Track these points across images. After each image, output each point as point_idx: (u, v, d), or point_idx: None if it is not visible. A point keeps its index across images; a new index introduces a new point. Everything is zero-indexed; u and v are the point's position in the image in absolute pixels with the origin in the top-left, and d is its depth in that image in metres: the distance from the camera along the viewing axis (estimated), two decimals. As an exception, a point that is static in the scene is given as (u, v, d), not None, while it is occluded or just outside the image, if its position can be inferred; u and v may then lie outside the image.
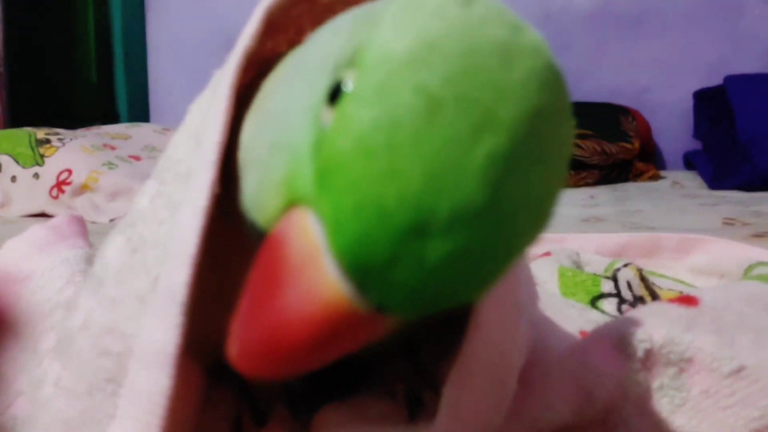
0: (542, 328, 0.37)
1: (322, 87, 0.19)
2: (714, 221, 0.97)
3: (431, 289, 0.16)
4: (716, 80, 1.53)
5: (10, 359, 0.36)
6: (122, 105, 1.85)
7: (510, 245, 0.17)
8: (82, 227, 0.47)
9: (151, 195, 0.30)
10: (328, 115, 0.18)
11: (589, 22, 1.66)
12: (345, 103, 0.17)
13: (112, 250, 0.29)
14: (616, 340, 0.32)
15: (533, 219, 0.17)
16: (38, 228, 0.44)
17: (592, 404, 0.30)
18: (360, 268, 0.16)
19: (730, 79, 1.49)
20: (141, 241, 0.28)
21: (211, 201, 0.26)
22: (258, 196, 0.21)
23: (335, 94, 0.18)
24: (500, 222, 0.16)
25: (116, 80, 1.85)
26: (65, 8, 1.83)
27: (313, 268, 0.17)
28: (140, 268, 0.28)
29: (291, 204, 0.19)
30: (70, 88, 1.84)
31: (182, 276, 0.25)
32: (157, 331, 0.25)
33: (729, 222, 0.96)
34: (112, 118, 1.83)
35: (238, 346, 0.19)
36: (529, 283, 0.35)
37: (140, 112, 1.87)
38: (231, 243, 0.28)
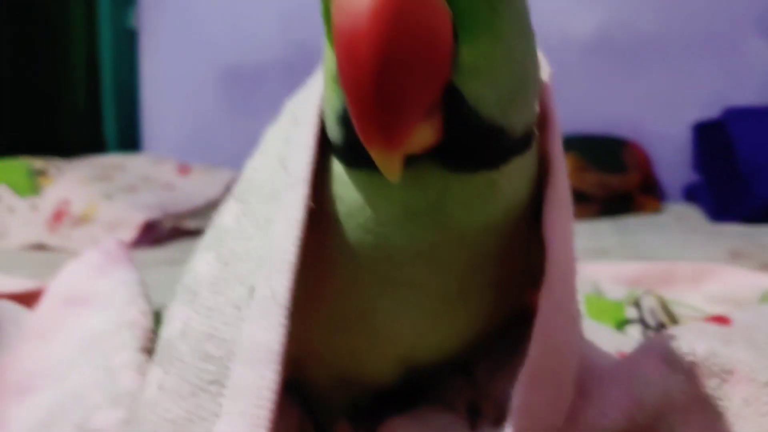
0: (586, 343, 0.41)
1: None
2: (719, 254, 1.01)
3: None
4: (714, 113, 1.59)
5: (79, 374, 0.39)
6: (111, 134, 1.88)
7: None
8: (128, 252, 0.51)
9: (236, 214, 0.34)
10: None
11: (587, 54, 1.73)
12: None
13: (203, 264, 0.33)
14: (663, 353, 0.36)
15: None
16: (93, 252, 0.48)
17: (643, 411, 0.34)
18: None
19: (729, 112, 1.55)
20: (231, 255, 0.32)
21: (305, 214, 0.30)
22: None
23: None
24: None
25: (104, 109, 1.89)
26: (54, 37, 1.87)
27: None
28: (234, 279, 0.31)
29: None
30: (57, 116, 1.88)
31: (284, 281, 0.29)
32: (262, 332, 0.29)
33: (735, 254, 1.00)
34: (99, 147, 1.86)
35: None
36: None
37: (130, 142, 1.90)
38: (311, 259, 0.32)
